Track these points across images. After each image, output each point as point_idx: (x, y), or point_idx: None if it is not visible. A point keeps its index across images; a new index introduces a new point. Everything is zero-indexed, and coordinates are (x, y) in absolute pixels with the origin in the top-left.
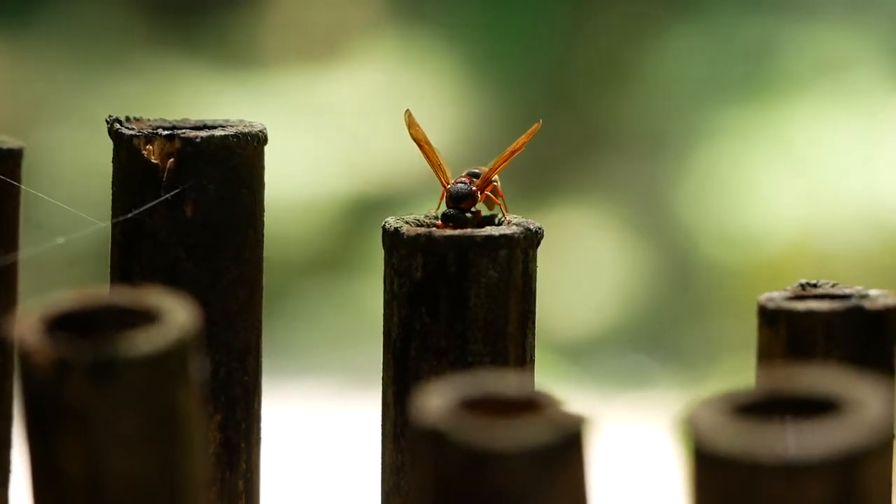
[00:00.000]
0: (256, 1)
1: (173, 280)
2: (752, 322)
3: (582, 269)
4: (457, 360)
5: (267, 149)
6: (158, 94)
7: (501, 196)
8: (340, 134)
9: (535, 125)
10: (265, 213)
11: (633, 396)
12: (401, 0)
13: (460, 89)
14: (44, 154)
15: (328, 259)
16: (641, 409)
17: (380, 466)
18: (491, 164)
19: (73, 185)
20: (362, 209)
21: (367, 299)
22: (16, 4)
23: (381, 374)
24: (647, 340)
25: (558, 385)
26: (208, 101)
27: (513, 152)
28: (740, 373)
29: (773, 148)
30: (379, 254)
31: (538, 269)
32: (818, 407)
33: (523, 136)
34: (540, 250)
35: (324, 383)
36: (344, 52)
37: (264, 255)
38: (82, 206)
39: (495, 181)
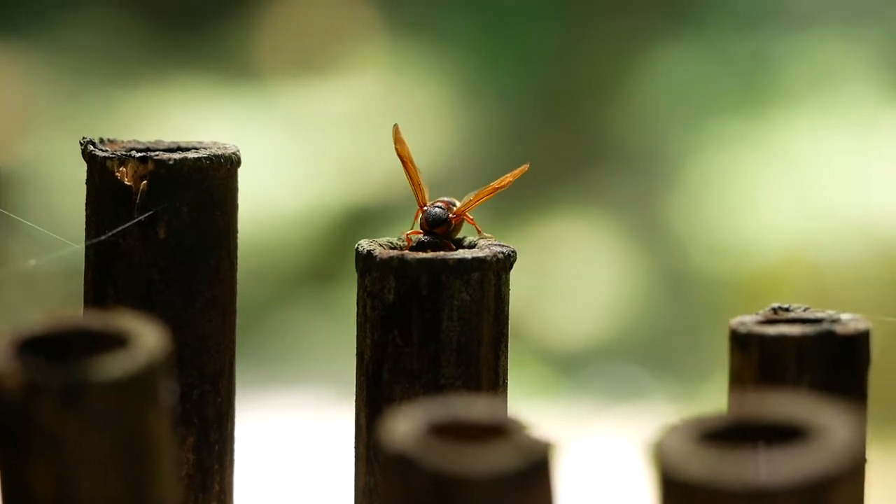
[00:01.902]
0: (252, 12)
1: (147, 302)
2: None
3: (576, 281)
4: (429, 382)
5: (260, 158)
6: (154, 106)
7: (473, 222)
8: (334, 144)
9: (524, 167)
10: (238, 234)
11: (627, 408)
12: (395, 11)
13: (454, 101)
14: (29, 168)
15: (320, 269)
16: (634, 421)
17: (353, 488)
18: (471, 195)
19: (60, 203)
20: (355, 219)
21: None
22: (12, 18)
23: None
24: (641, 352)
25: (551, 397)
26: (203, 111)
27: (495, 189)
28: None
29: (767, 160)
30: None
31: (533, 281)
32: (788, 433)
33: (509, 176)
34: (534, 262)
35: (312, 394)
36: (338, 62)
37: (258, 264)
38: (61, 226)
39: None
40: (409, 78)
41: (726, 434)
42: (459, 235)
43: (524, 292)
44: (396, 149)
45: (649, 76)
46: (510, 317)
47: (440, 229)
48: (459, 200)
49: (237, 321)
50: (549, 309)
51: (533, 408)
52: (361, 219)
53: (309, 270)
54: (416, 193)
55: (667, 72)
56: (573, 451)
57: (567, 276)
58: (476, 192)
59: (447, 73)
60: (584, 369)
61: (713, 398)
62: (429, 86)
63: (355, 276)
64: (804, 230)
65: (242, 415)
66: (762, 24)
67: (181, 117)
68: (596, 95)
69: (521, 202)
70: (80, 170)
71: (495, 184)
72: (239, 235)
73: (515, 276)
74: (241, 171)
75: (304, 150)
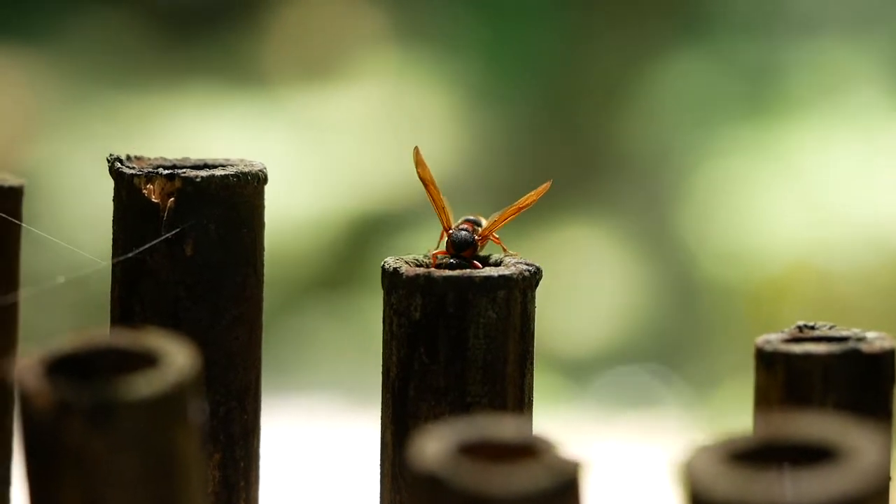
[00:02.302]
0: (260, 19)
1: (174, 319)
2: (756, 340)
3: (586, 288)
4: (455, 400)
5: (268, 165)
6: (163, 112)
7: (499, 241)
8: (343, 151)
9: (546, 184)
10: (265, 251)
11: (637, 415)
12: (402, 18)
13: (462, 107)
14: (39, 175)
15: (330, 276)
16: (645, 428)
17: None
18: (495, 216)
19: (78, 220)
20: (365, 226)
21: (370, 317)
22: (21, 23)
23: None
24: (652, 359)
25: (562, 404)
26: (213, 118)
27: (520, 208)
28: (742, 395)
29: (775, 168)
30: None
31: (543, 288)
32: (815, 454)
33: (533, 194)
34: (544, 270)
35: (326, 400)
36: (347, 69)
37: (267, 271)
38: (86, 242)
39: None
40: (418, 84)
41: (754, 454)
42: (485, 253)
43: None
44: (418, 172)
45: (658, 84)
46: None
47: (466, 252)
48: (476, 213)
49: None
50: (558, 316)
51: (545, 415)
52: (371, 225)
53: (319, 277)
54: (440, 216)
55: (676, 80)
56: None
57: (576, 284)
58: (500, 212)
59: (455, 79)
60: (594, 376)
61: (724, 405)
62: (437, 92)
63: (365, 282)
64: (813, 238)
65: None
66: (770, 32)
67: (190, 124)
68: (605, 103)
69: (531, 210)
70: (90, 176)
71: (520, 202)
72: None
73: None
74: None
75: (313, 156)
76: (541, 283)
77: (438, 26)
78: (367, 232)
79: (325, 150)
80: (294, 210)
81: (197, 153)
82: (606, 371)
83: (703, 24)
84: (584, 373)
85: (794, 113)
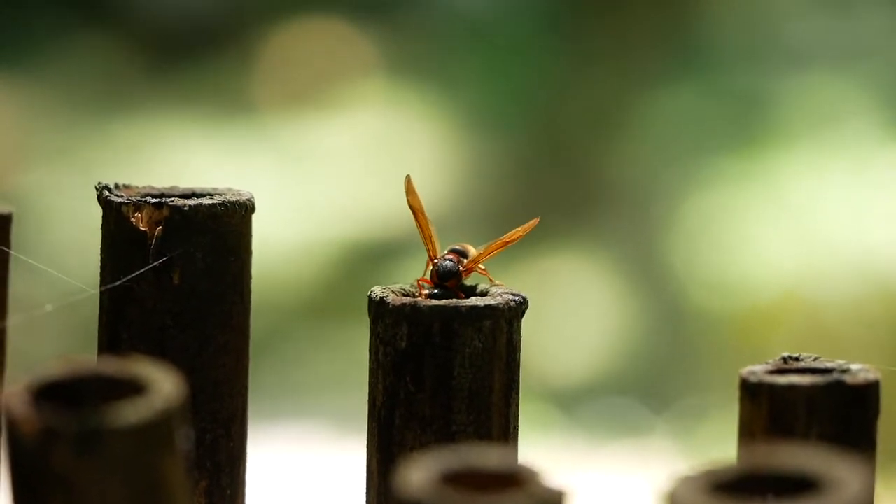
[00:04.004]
0: (250, 47)
1: (160, 347)
2: (741, 371)
3: (574, 316)
4: (441, 429)
5: (257, 193)
6: (151, 140)
7: (485, 273)
8: (332, 180)
9: (534, 220)
10: (252, 279)
11: (624, 445)
12: (392, 47)
13: (452, 137)
14: (26, 202)
15: (320, 304)
16: (632, 458)
17: None
18: (481, 248)
19: (67, 247)
20: (354, 255)
21: (358, 345)
22: (8, 50)
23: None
24: (640, 389)
25: (550, 433)
26: (201, 146)
27: (506, 243)
28: (730, 425)
29: (765, 198)
30: None
31: (531, 317)
32: (797, 485)
33: (520, 229)
34: (533, 298)
35: (314, 429)
36: (336, 98)
37: (256, 299)
38: (74, 269)
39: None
40: (408, 114)
41: (736, 485)
42: (472, 282)
43: (523, 329)
44: (408, 200)
45: (649, 114)
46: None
47: (450, 283)
48: (465, 242)
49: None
50: (547, 345)
51: (532, 444)
52: (360, 254)
53: (307, 306)
54: (426, 245)
55: (667, 111)
56: (573, 486)
57: (566, 313)
58: (487, 244)
59: (445, 109)
60: (582, 406)
61: (712, 435)
62: (427, 122)
63: (354, 311)
64: (802, 268)
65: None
66: (761, 64)
67: (180, 152)
68: (595, 133)
69: (521, 238)
70: (79, 203)
71: (506, 237)
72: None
73: None
74: None
75: (303, 185)
76: (530, 311)
77: (429, 56)
78: (356, 260)
79: (314, 178)
80: (284, 238)
81: (186, 181)
82: (594, 400)
83: (695, 56)
84: (572, 402)
85: (785, 144)
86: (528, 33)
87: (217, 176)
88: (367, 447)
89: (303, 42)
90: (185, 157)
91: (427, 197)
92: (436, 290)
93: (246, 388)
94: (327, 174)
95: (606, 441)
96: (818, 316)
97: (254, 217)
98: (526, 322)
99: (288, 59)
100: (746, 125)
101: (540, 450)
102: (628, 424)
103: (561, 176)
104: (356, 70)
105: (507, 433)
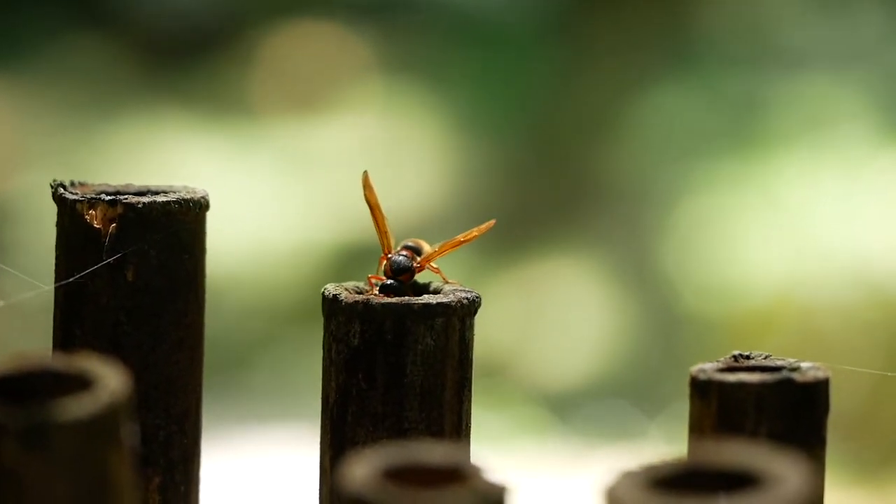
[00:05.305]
0: (245, 50)
1: (114, 343)
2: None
3: (567, 320)
4: (393, 426)
5: (251, 196)
6: (145, 142)
7: (438, 271)
8: (327, 182)
9: (490, 222)
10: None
11: (617, 448)
12: (389, 50)
13: (448, 139)
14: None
15: (310, 307)
16: (626, 462)
17: None
18: (436, 246)
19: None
20: (347, 257)
21: None
22: (5, 52)
23: None
24: (632, 392)
25: (541, 436)
26: (195, 148)
27: (461, 242)
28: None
29: (758, 201)
30: None
31: (524, 320)
32: (739, 481)
33: (475, 230)
34: (526, 301)
35: (289, 432)
36: (332, 100)
37: (247, 301)
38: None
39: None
40: (404, 116)
41: (680, 481)
42: (425, 280)
43: (515, 331)
44: (365, 195)
45: (643, 117)
46: (499, 356)
47: (404, 276)
48: (426, 242)
49: (215, 359)
50: (539, 348)
51: (524, 447)
52: (353, 257)
53: (299, 308)
54: (381, 240)
55: (660, 113)
56: (563, 490)
57: (558, 316)
58: (442, 243)
59: (441, 111)
60: (574, 409)
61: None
62: (423, 124)
63: None
64: (795, 271)
65: (216, 453)
66: (755, 67)
67: (176, 154)
68: (589, 135)
69: (512, 241)
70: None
71: (461, 237)
72: (228, 272)
73: (506, 315)
74: (232, 208)
75: (296, 187)
76: (523, 315)
77: (425, 58)
78: (349, 263)
79: (308, 181)
80: (274, 240)
81: (183, 183)
82: (588, 404)
83: (689, 59)
84: (565, 405)
85: (779, 147)
86: (524, 37)
87: (213, 178)
88: (321, 444)
89: (299, 45)
90: (181, 160)
91: (422, 198)
92: (388, 282)
93: (200, 384)
94: (321, 176)
95: (600, 445)
96: (811, 320)
97: (252, 218)
98: (518, 325)
99: (284, 61)
100: (741, 129)
101: (533, 453)
102: (622, 428)
103: (556, 178)
104: (352, 72)
105: (459, 430)
